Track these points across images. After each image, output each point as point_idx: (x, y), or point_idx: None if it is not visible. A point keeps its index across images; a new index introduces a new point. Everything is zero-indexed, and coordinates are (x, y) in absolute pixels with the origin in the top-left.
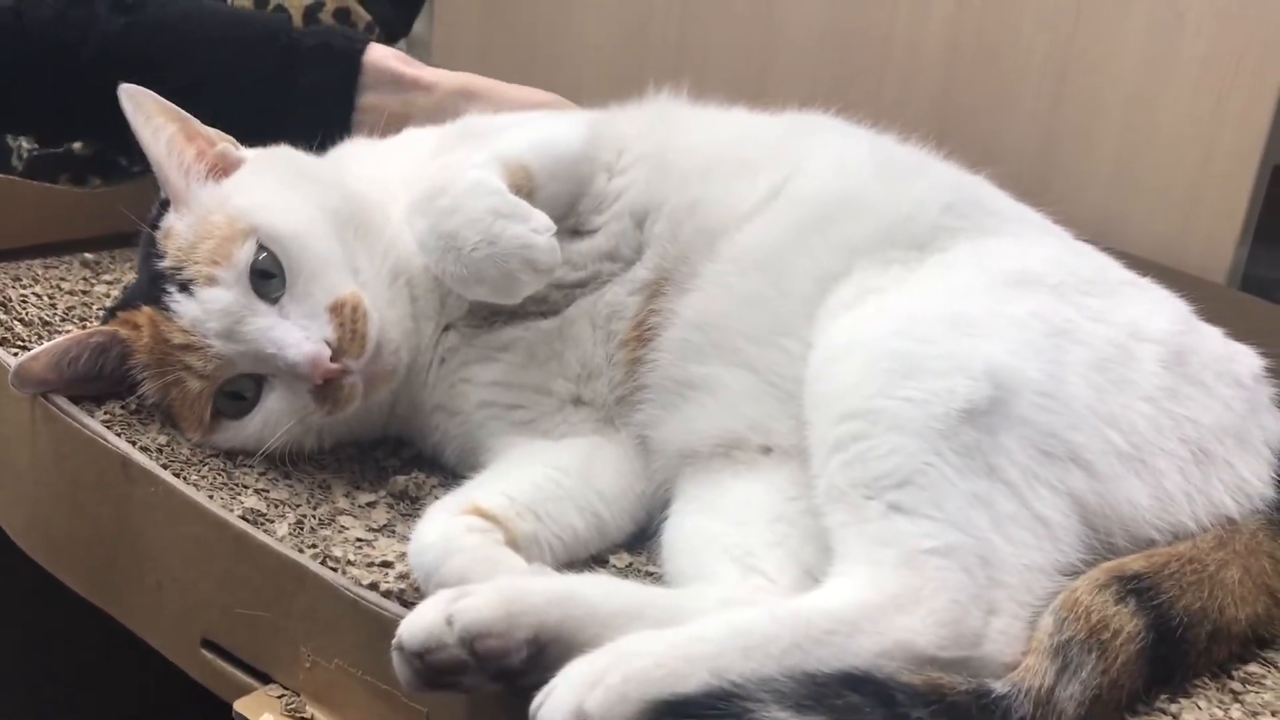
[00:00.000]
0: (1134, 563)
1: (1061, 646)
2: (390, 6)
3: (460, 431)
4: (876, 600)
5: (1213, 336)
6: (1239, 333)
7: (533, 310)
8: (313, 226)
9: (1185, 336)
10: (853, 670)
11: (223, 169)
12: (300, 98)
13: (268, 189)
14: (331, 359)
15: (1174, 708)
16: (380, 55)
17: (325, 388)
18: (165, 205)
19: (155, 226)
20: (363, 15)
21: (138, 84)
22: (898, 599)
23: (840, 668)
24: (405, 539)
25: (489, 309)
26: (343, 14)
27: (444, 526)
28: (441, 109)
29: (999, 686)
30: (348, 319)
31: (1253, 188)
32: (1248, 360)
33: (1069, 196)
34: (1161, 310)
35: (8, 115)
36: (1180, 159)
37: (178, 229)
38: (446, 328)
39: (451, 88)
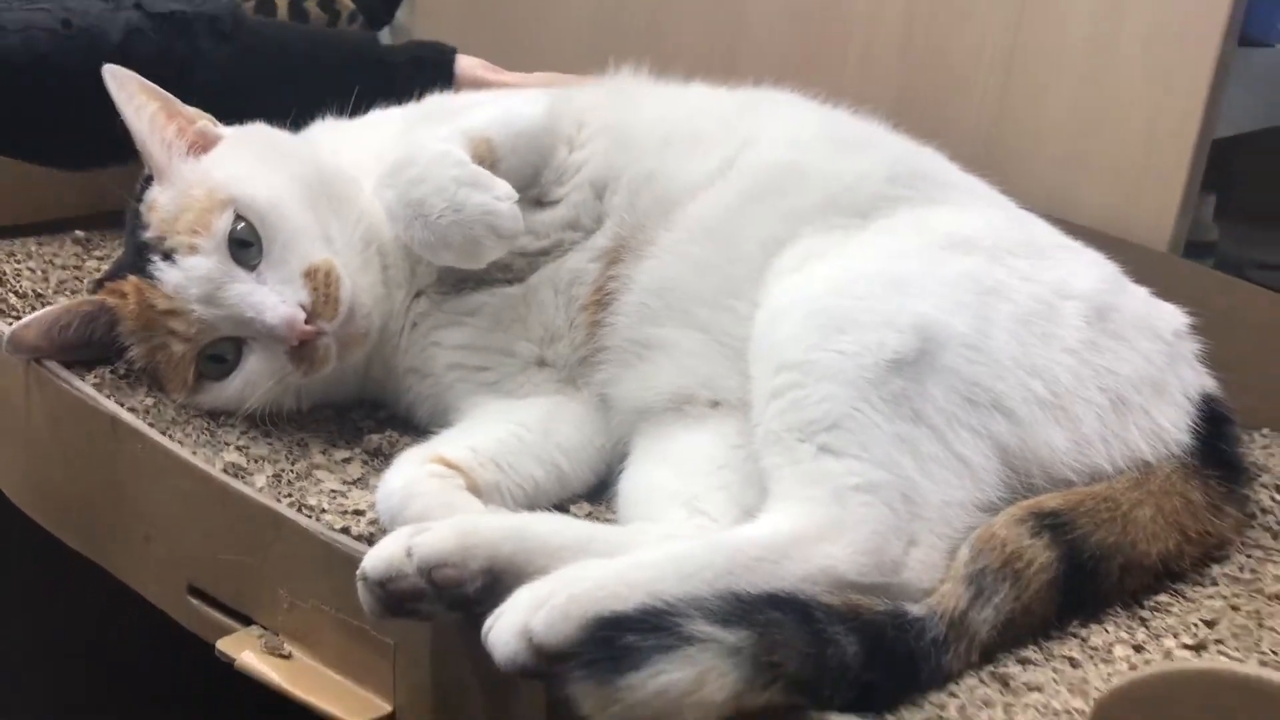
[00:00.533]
0: (1051, 501)
1: (976, 575)
2: None
3: (431, 392)
4: (804, 531)
5: (1138, 296)
6: (1179, 296)
7: (499, 277)
8: (287, 197)
9: (1109, 295)
10: (777, 592)
11: (202, 145)
12: None
13: (245, 163)
14: (306, 321)
15: (1084, 631)
16: (468, 65)
17: (301, 349)
18: (149, 180)
19: (140, 200)
20: (346, 4)
21: (247, 110)
22: (823, 530)
23: (767, 590)
24: (377, 490)
25: (457, 276)
26: (327, 2)
27: (408, 473)
28: None
29: (915, 609)
30: (321, 284)
31: (1191, 162)
32: (1171, 318)
33: (1021, 171)
34: (1089, 271)
35: (116, 147)
36: (1125, 135)
37: (161, 201)
38: (417, 294)
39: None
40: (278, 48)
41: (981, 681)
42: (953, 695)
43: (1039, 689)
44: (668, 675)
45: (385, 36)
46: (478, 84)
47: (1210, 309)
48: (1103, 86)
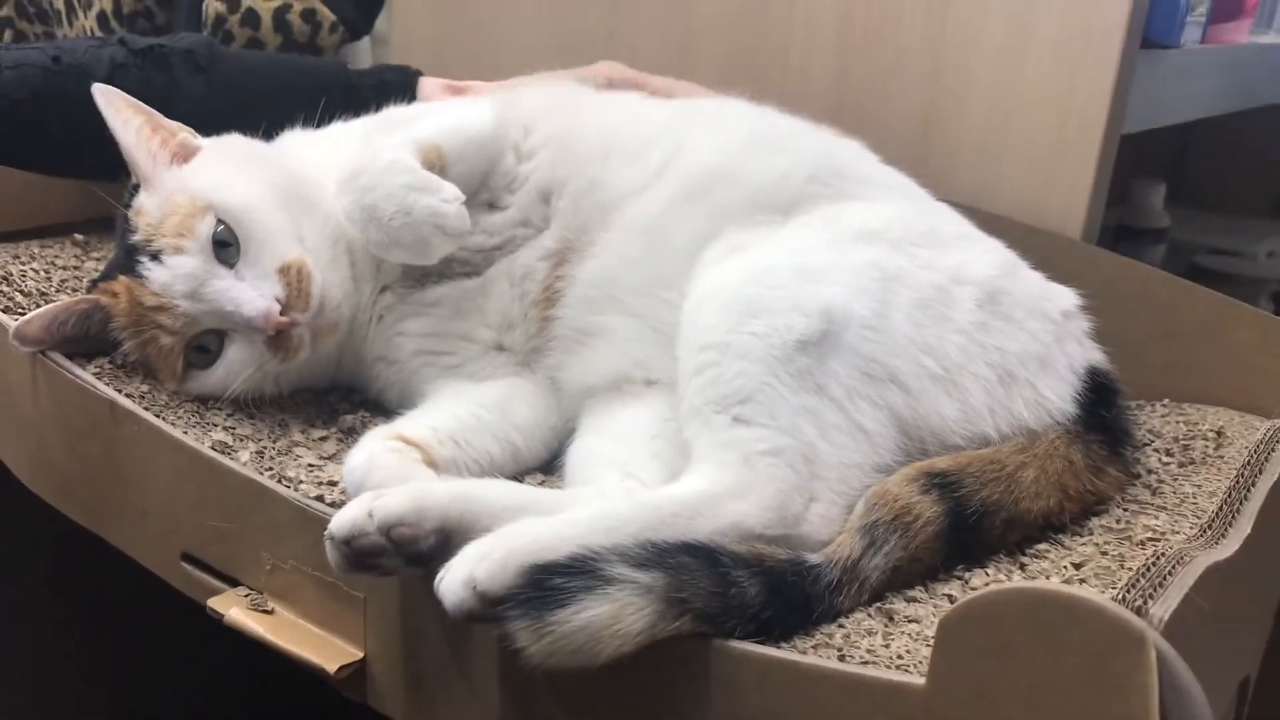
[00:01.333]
0: (941, 462)
1: (869, 527)
2: (353, 6)
3: (399, 378)
4: (716, 490)
5: (1030, 280)
6: (1088, 279)
7: (458, 271)
8: (261, 201)
9: (1001, 280)
10: (691, 541)
11: (183, 155)
12: None
13: (222, 171)
14: (281, 313)
15: (968, 574)
16: (430, 86)
17: (277, 339)
18: (136, 189)
19: (128, 207)
20: (328, 15)
21: (225, 134)
22: (733, 489)
23: (682, 541)
24: (343, 465)
25: (420, 271)
26: (309, 14)
27: (370, 448)
28: None
29: (813, 558)
30: (294, 279)
31: (1099, 155)
32: (1060, 299)
33: (947, 165)
34: (984, 259)
35: (110, 163)
36: (1038, 132)
37: (147, 207)
38: (383, 289)
39: None
40: (252, 77)
41: (869, 615)
42: (840, 626)
43: (917, 621)
44: (590, 611)
45: (365, 45)
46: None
47: (1116, 291)
48: (1017, 88)
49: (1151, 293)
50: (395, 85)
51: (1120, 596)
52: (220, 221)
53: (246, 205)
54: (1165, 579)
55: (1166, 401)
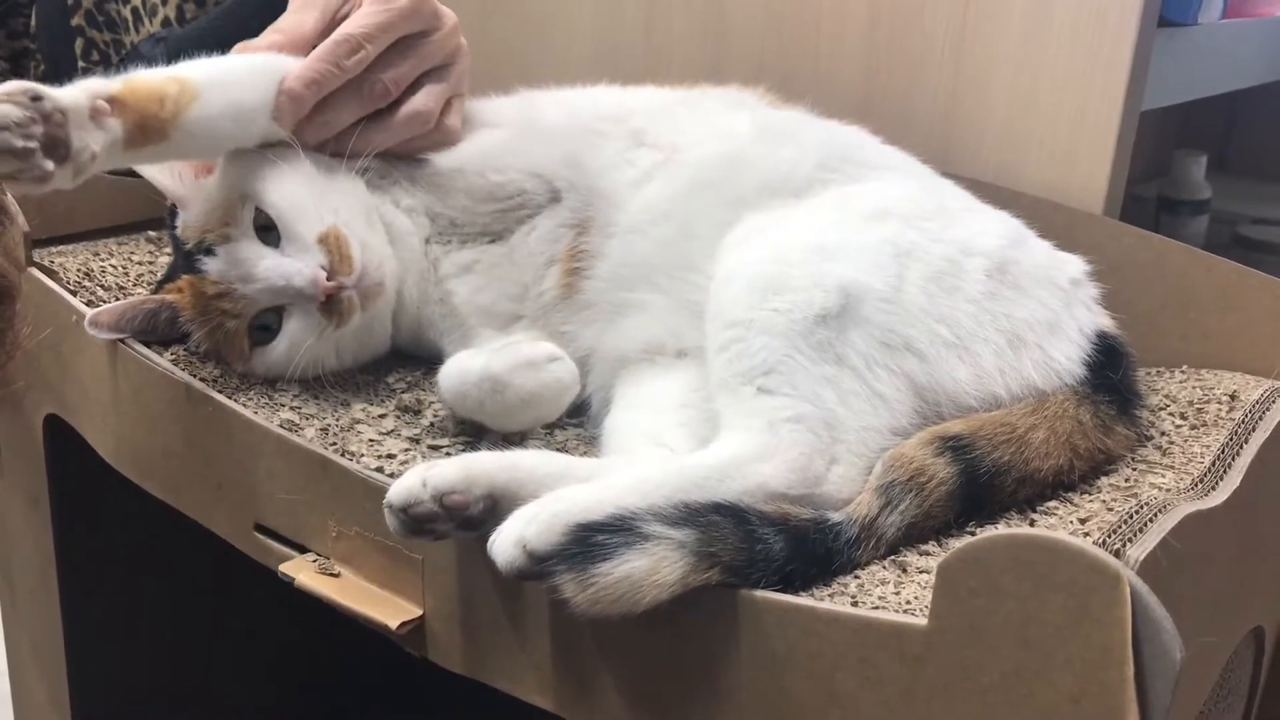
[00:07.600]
0: (955, 426)
1: (886, 487)
2: None
3: (446, 326)
4: (743, 454)
5: (1038, 249)
6: (1107, 252)
7: (483, 236)
8: (289, 182)
9: (1009, 250)
10: (720, 502)
11: (206, 167)
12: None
13: (247, 162)
14: (328, 279)
15: (979, 530)
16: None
17: (329, 304)
18: (174, 212)
19: (173, 229)
20: None
21: None
22: (759, 453)
23: (712, 501)
24: (407, 439)
25: (451, 226)
26: None
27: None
28: None
29: (835, 516)
30: (334, 246)
31: (1118, 133)
32: (1068, 267)
33: (972, 147)
34: (993, 230)
35: None
36: (1058, 113)
37: (189, 220)
38: (427, 241)
39: None
40: (193, 33)
41: (883, 568)
42: (856, 577)
43: (928, 572)
44: (630, 563)
45: None
46: None
47: (1135, 262)
48: (1037, 72)
49: (1169, 263)
50: None
51: (1102, 540)
52: (258, 208)
53: (276, 188)
54: (1146, 525)
55: (1185, 368)
